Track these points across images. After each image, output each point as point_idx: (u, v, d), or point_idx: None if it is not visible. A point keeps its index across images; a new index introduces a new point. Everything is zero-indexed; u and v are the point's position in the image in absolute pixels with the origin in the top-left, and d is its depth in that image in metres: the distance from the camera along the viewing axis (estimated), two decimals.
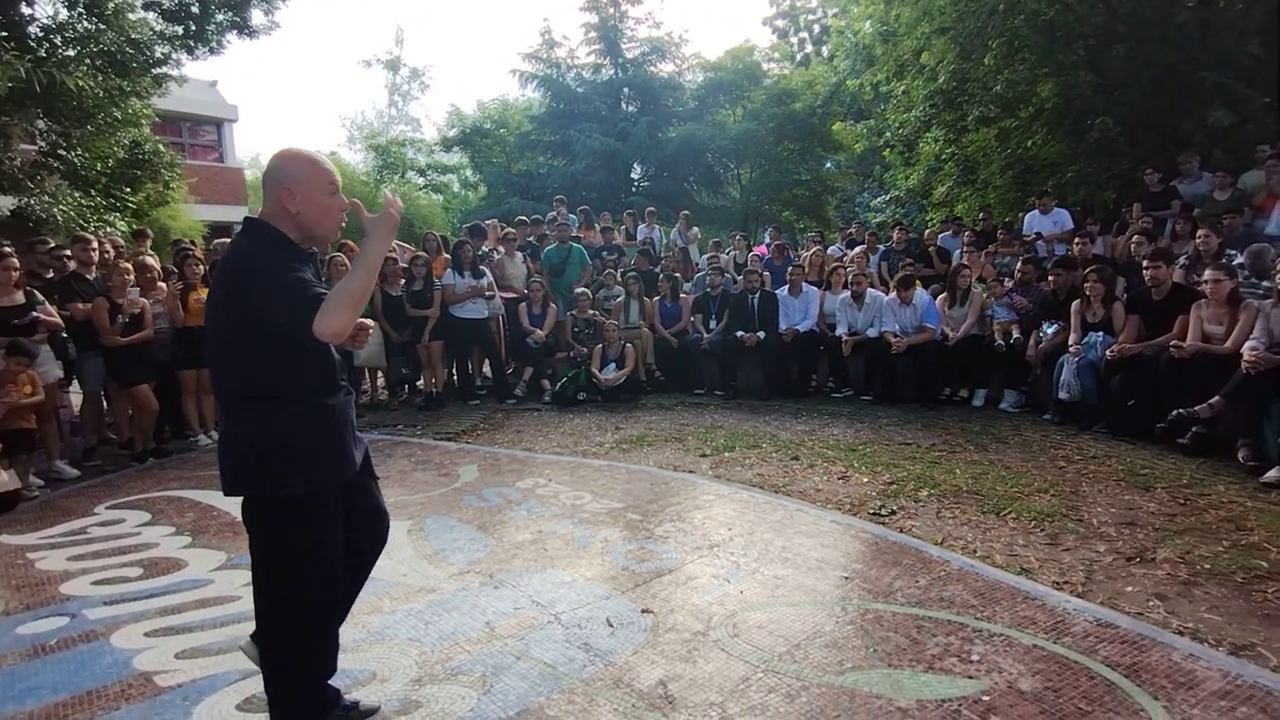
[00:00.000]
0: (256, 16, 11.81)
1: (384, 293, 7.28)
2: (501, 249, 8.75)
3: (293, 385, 1.96)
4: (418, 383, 7.92)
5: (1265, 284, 5.31)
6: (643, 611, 2.89)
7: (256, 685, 2.46)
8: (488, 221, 10.27)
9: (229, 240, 2.17)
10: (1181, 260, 6.21)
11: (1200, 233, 6.15)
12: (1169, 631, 2.61)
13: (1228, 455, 4.63)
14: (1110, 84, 9.49)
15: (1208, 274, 5.12)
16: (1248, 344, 4.63)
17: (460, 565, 3.44)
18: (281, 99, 67.44)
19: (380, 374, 8.08)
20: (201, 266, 6.45)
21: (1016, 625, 2.67)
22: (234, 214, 19.79)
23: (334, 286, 1.82)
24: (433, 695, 2.38)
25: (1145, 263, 5.63)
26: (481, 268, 7.76)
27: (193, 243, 8.36)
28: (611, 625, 2.78)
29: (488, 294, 7.69)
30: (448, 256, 7.96)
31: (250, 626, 2.86)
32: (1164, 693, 2.23)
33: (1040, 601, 2.86)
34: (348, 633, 2.82)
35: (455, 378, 8.16)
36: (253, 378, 1.94)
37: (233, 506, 4.49)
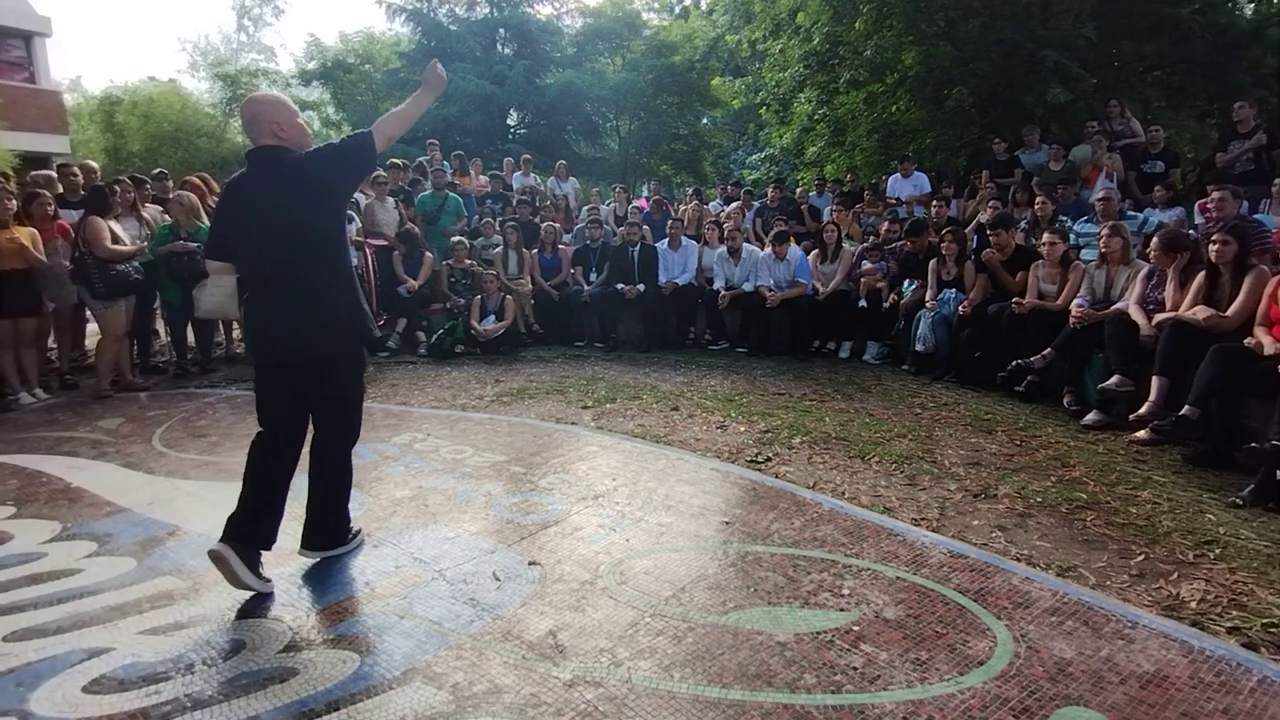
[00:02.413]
0: None
1: None
2: (371, 193, 8.23)
3: (354, 273, 2.90)
4: None
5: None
6: (530, 563, 2.88)
7: (105, 666, 2.26)
8: None
9: (243, 169, 2.69)
10: (1022, 224, 6.80)
11: (1038, 200, 6.76)
12: (1008, 559, 2.91)
13: (1055, 401, 5.17)
14: (966, 56, 10.07)
15: (1045, 237, 5.62)
16: (1074, 301, 5.16)
17: None
18: (106, 14, 59.60)
19: (236, 325, 7.46)
20: (13, 202, 5.60)
21: (881, 560, 2.89)
22: (52, 143, 17.31)
23: (389, 111, 2.82)
24: (310, 660, 2.26)
25: (989, 231, 6.09)
26: (349, 213, 7.26)
27: (1, 174, 7.28)
28: (498, 579, 2.76)
29: (355, 239, 7.25)
30: None
31: (94, 601, 2.64)
32: (1005, 612, 2.49)
33: (901, 537, 3.09)
34: (212, 601, 2.64)
35: None
36: (345, 266, 2.83)
37: (65, 472, 4.07)
